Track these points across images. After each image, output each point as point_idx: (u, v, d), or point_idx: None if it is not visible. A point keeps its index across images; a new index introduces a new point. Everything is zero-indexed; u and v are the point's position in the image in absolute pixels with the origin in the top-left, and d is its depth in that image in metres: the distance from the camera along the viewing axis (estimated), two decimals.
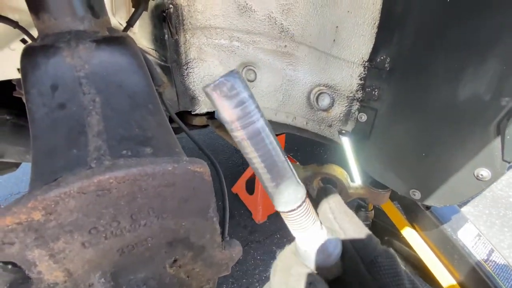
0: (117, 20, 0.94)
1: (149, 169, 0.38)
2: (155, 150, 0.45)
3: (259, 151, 0.25)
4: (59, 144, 0.44)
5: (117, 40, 0.53)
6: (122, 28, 0.88)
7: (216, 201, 0.48)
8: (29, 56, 0.49)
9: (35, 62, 0.48)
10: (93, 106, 0.47)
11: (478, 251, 1.05)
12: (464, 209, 2.08)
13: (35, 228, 0.36)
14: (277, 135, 1.91)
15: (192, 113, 1.30)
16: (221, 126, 1.46)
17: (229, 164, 2.67)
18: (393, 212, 1.38)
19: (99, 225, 0.39)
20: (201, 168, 0.42)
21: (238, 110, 0.23)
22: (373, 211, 1.46)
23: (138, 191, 0.39)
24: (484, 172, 0.72)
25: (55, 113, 0.46)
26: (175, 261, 0.50)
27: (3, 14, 0.82)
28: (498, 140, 0.68)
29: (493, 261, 1.05)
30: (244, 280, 1.64)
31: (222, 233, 0.62)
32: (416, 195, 0.89)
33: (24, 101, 0.49)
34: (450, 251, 1.09)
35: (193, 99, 1.26)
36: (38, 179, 0.40)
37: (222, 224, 0.67)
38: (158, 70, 1.10)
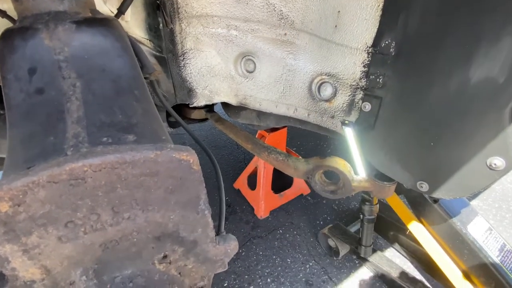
0: (108, 8, 0.90)
1: (128, 156, 0.35)
2: (138, 137, 0.41)
3: None
4: (36, 132, 0.40)
5: (100, 22, 0.50)
6: (113, 15, 0.84)
7: (215, 195, 0.45)
8: (6, 39, 0.46)
9: (12, 46, 0.45)
10: (73, 91, 0.44)
11: (489, 246, 1.00)
12: (472, 203, 2.02)
13: (4, 221, 0.32)
14: (278, 128, 1.88)
15: (190, 106, 1.27)
16: (220, 119, 1.43)
17: (231, 160, 2.64)
18: (399, 206, 1.33)
19: (76, 218, 0.36)
20: (188, 156, 0.39)
21: None
22: (378, 205, 1.41)
23: (118, 181, 0.36)
24: (498, 161, 0.67)
25: (33, 99, 0.43)
26: (164, 257, 0.47)
27: None
28: None
29: (506, 256, 1.00)
30: (246, 276, 1.61)
31: (218, 228, 0.59)
32: (424, 187, 0.84)
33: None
34: (460, 246, 1.05)
35: (190, 92, 1.22)
36: (10, 169, 0.37)
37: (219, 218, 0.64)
38: (153, 61, 1.07)
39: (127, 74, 0.49)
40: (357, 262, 1.68)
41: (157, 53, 1.07)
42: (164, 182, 0.39)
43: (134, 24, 1.00)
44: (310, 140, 2.90)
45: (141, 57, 0.70)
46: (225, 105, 1.40)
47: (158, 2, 0.94)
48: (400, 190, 1.26)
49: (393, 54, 0.79)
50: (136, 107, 0.46)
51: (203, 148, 0.82)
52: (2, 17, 0.81)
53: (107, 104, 0.44)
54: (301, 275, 1.63)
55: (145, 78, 0.81)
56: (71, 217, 0.35)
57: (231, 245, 0.54)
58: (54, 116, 0.41)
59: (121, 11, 0.81)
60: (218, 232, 0.57)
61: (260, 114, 1.38)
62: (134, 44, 0.63)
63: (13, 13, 0.80)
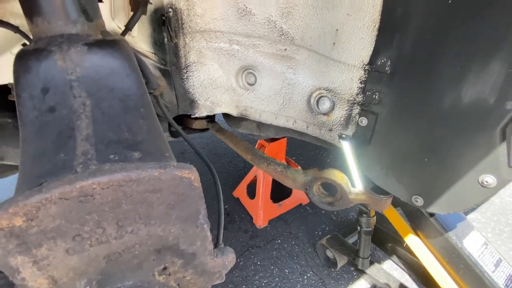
0: (116, 24, 0.94)
1: (134, 174, 0.37)
2: (143, 155, 0.44)
3: None
4: (47, 148, 0.43)
5: (109, 43, 0.53)
6: (120, 31, 0.88)
7: (214, 204, 0.47)
8: (21, 59, 0.49)
9: (27, 66, 0.48)
10: (83, 109, 0.46)
11: (485, 261, 1.01)
12: (471, 216, 2.02)
13: (17, 234, 0.35)
14: (278, 138, 1.90)
15: (192, 116, 1.30)
16: (221, 130, 1.46)
17: (230, 168, 2.65)
18: (396, 219, 1.34)
19: (83, 232, 0.38)
20: (189, 173, 0.41)
21: None
22: (375, 217, 1.42)
23: (123, 197, 0.38)
24: (489, 179, 0.69)
25: (45, 117, 0.46)
26: (164, 268, 0.49)
27: (4, 19, 0.83)
28: (503, 146, 0.65)
29: (501, 271, 1.01)
30: (244, 286, 1.61)
31: (217, 239, 0.61)
32: (419, 201, 0.86)
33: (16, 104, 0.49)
34: (455, 260, 1.06)
35: (192, 103, 1.26)
36: (23, 184, 0.39)
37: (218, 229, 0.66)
38: (157, 73, 1.10)
39: (134, 92, 0.52)
40: (355, 273, 1.67)
41: (161, 66, 1.11)
42: (167, 198, 0.42)
43: (140, 39, 1.04)
44: (309, 150, 2.92)
45: (147, 73, 0.73)
46: (226, 115, 1.43)
47: (163, 18, 0.98)
48: (397, 203, 1.28)
49: (388, 72, 0.82)
50: (141, 125, 0.49)
51: (203, 160, 0.84)
52: (15, 32, 0.85)
53: (115, 122, 0.47)
54: (298, 286, 1.62)
55: (149, 93, 0.85)
56: (78, 231, 0.38)
57: (229, 258, 0.56)
58: (65, 134, 0.44)
59: (128, 27, 0.85)
60: (216, 244, 0.59)
61: (260, 124, 1.41)
62: (140, 61, 0.67)
63: (25, 28, 0.84)
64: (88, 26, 0.53)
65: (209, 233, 0.50)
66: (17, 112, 0.48)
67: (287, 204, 2.15)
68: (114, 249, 0.42)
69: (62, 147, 0.43)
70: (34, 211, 0.34)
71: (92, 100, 0.48)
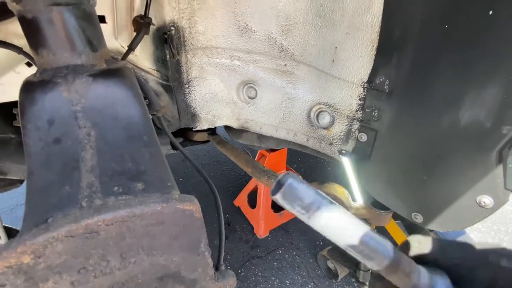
0: (120, 43, 0.96)
1: (137, 210, 0.38)
2: (146, 186, 0.45)
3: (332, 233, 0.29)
4: (53, 180, 0.44)
5: (113, 73, 0.55)
6: (124, 50, 0.90)
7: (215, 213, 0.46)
8: (27, 91, 0.51)
9: (33, 98, 0.50)
10: (88, 140, 0.48)
11: None
12: None
13: (25, 271, 0.36)
14: (278, 149, 1.89)
15: (194, 129, 1.31)
16: (222, 142, 1.47)
17: (231, 175, 2.66)
18: (397, 232, 1.34)
19: (88, 265, 0.39)
20: (191, 206, 0.42)
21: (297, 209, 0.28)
22: (375, 231, 1.42)
23: (127, 231, 0.39)
24: (487, 200, 0.70)
25: (51, 148, 0.47)
26: None
27: (8, 40, 0.85)
28: (500, 168, 0.66)
29: None
30: None
31: (218, 261, 0.62)
32: (418, 218, 0.87)
33: (22, 134, 0.50)
34: None
35: (194, 116, 1.27)
36: (30, 218, 0.41)
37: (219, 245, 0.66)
38: (160, 89, 1.12)
39: (137, 121, 0.53)
40: (356, 285, 1.67)
41: (164, 82, 1.13)
42: (169, 230, 0.43)
43: (143, 57, 1.05)
44: (310, 157, 2.93)
45: (150, 96, 0.75)
46: (227, 127, 1.44)
47: (166, 36, 1.00)
48: (397, 216, 1.28)
49: (387, 91, 0.83)
50: (144, 153, 0.50)
51: (203, 177, 0.85)
52: (19, 53, 0.86)
53: (119, 151, 0.48)
54: None
55: (152, 114, 0.86)
56: (83, 264, 0.39)
57: (230, 281, 0.57)
58: (70, 165, 0.45)
59: (131, 48, 0.87)
60: (217, 266, 0.60)
61: (261, 136, 1.42)
62: (143, 85, 0.68)
63: (27, 48, 0.86)
64: (93, 56, 0.55)
65: (210, 260, 0.51)
66: (23, 142, 0.49)
67: (288, 214, 2.14)
68: (117, 279, 0.43)
69: (67, 179, 0.44)
70: (41, 249, 0.35)
71: (96, 130, 0.49)
